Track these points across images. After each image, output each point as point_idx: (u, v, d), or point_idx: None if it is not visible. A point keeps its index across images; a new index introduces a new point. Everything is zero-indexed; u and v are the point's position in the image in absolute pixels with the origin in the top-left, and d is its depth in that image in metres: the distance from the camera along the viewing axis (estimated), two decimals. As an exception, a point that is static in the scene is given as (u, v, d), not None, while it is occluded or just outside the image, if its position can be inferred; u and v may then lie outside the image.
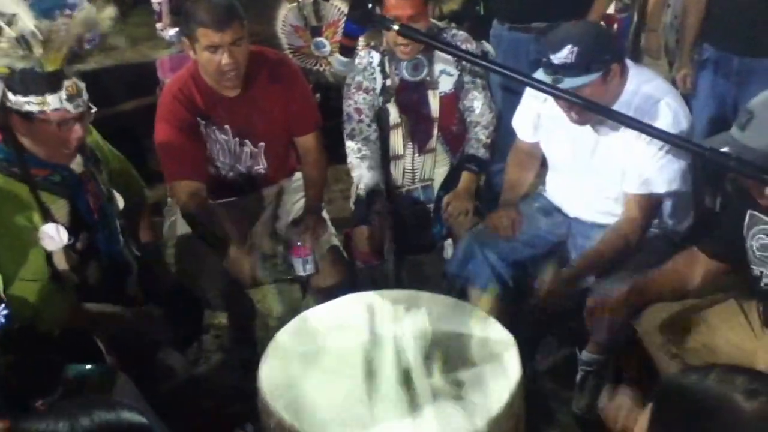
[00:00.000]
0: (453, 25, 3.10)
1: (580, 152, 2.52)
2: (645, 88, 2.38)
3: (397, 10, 2.61)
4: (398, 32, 1.92)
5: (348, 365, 2.10)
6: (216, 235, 2.58)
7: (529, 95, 2.63)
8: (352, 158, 2.91)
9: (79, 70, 2.13)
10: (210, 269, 2.59)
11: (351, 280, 2.80)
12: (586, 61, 2.23)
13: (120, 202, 2.40)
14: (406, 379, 2.04)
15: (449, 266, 2.76)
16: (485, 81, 2.94)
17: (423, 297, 2.36)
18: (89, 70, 2.19)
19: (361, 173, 2.87)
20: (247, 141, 2.73)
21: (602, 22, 3.33)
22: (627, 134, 2.36)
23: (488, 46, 3.14)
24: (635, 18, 3.94)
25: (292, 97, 2.74)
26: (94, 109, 2.18)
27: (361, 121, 2.90)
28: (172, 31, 4.18)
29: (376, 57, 2.88)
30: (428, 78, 2.87)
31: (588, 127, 2.44)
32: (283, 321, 2.54)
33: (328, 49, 3.69)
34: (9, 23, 2.01)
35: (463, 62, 2.86)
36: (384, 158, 2.95)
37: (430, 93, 2.89)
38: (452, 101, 2.92)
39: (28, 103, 2.05)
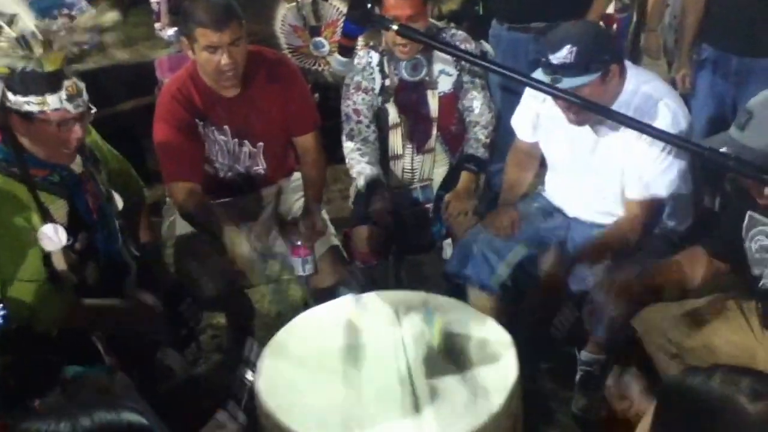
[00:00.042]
0: (452, 24, 3.11)
1: (579, 152, 2.52)
2: (644, 88, 2.38)
3: (396, 10, 2.61)
4: (397, 32, 1.91)
5: (346, 366, 2.10)
6: (215, 234, 2.58)
7: (529, 95, 2.63)
8: (351, 156, 2.90)
9: (77, 70, 2.13)
10: (209, 269, 2.59)
11: (350, 280, 2.80)
12: (585, 61, 2.23)
13: (119, 203, 2.39)
14: (404, 379, 2.04)
15: (448, 266, 2.76)
16: (484, 81, 2.94)
17: (422, 297, 2.36)
18: (88, 70, 2.18)
19: (362, 168, 2.86)
20: (245, 141, 2.73)
21: (601, 22, 3.33)
22: (626, 135, 2.36)
23: (487, 46, 3.14)
24: (634, 18, 3.95)
25: (290, 97, 2.73)
26: (93, 110, 2.18)
27: (360, 121, 2.90)
28: (170, 31, 4.18)
29: (375, 57, 2.87)
30: (427, 78, 2.87)
31: (587, 128, 2.43)
32: (281, 321, 2.54)
33: (326, 48, 3.70)
34: (9, 23, 2.01)
35: (462, 62, 2.86)
36: (383, 158, 2.95)
37: (429, 93, 2.89)
38: (451, 101, 2.92)
39: (28, 103, 2.04)
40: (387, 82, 2.86)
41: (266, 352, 2.16)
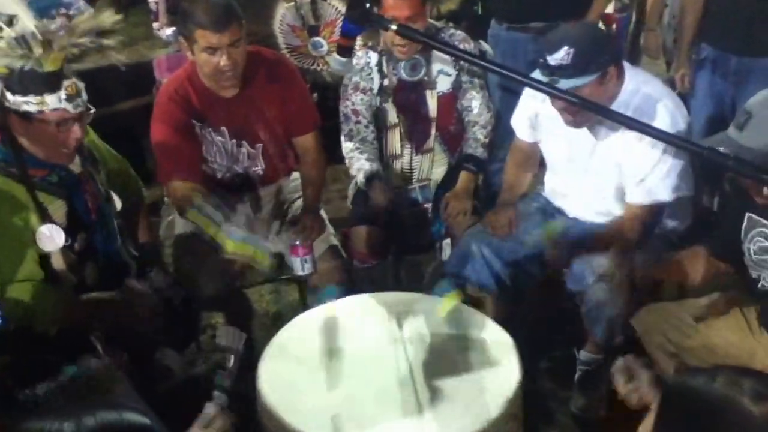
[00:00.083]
0: (451, 24, 3.11)
1: (578, 153, 2.51)
2: (642, 89, 2.38)
3: (395, 10, 2.61)
4: (396, 32, 1.91)
5: (348, 367, 2.10)
6: None
7: (528, 95, 2.63)
8: (350, 155, 2.90)
9: (75, 69, 2.12)
10: (208, 269, 2.58)
11: (349, 280, 2.80)
12: (583, 62, 2.23)
13: (117, 203, 2.39)
14: (405, 380, 2.04)
15: (447, 266, 2.76)
16: (483, 81, 2.93)
17: (422, 298, 2.36)
18: (86, 70, 2.18)
19: (361, 164, 2.86)
20: (244, 142, 2.72)
21: (601, 22, 3.33)
22: (625, 136, 2.36)
23: (486, 46, 3.14)
24: (634, 18, 3.95)
25: (289, 97, 2.73)
26: (92, 110, 2.18)
27: (358, 122, 2.90)
28: (168, 31, 4.18)
29: (373, 57, 2.87)
30: (426, 78, 2.86)
31: (585, 129, 2.44)
32: (280, 321, 2.54)
33: (325, 48, 3.69)
34: (9, 23, 2.00)
35: (461, 62, 2.86)
36: (382, 158, 2.95)
37: (428, 93, 2.88)
38: (450, 101, 2.92)
39: (27, 103, 2.04)
40: (386, 82, 2.86)
41: (267, 354, 2.16)
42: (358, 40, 2.74)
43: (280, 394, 2.00)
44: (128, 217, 2.48)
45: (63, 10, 3.07)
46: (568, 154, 2.56)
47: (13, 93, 2.04)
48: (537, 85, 2.00)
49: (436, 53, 2.83)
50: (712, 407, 1.15)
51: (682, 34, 3.20)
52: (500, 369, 2.06)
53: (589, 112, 2.28)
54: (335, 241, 2.82)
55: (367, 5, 1.87)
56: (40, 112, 2.05)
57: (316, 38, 3.68)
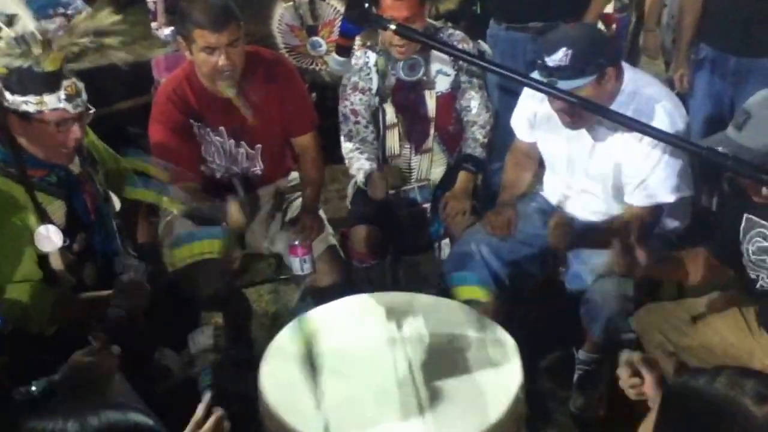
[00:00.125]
0: (449, 24, 3.10)
1: (577, 153, 2.52)
2: (642, 91, 2.38)
3: (393, 11, 2.60)
4: (395, 32, 1.91)
5: (349, 367, 2.10)
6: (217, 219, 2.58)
7: (527, 95, 2.63)
8: (350, 155, 2.90)
9: (73, 69, 2.12)
10: (207, 269, 2.58)
11: (348, 280, 2.80)
12: (581, 64, 2.23)
13: (116, 203, 2.39)
14: (405, 381, 2.03)
15: (446, 266, 2.76)
16: (482, 81, 2.93)
17: (422, 299, 2.36)
18: (84, 70, 2.18)
19: (361, 164, 2.85)
20: (242, 142, 2.72)
21: (601, 22, 3.33)
22: (624, 137, 2.36)
23: (485, 46, 3.14)
24: (633, 18, 3.95)
25: (288, 97, 2.73)
26: (92, 110, 2.17)
27: (357, 122, 2.90)
28: (167, 30, 4.17)
29: (372, 57, 2.87)
30: (425, 78, 2.86)
31: (583, 131, 2.44)
32: (279, 321, 2.53)
33: (324, 48, 3.69)
34: (9, 23, 2.00)
35: (460, 62, 2.86)
36: (380, 158, 2.94)
37: (427, 93, 2.88)
38: (449, 101, 2.92)
39: (26, 103, 2.04)
40: (385, 82, 2.86)
41: (268, 354, 2.15)
42: (357, 40, 2.74)
43: (280, 394, 2.00)
44: (127, 217, 2.48)
45: (61, 10, 3.08)
46: (567, 155, 2.56)
47: (13, 93, 2.04)
48: (536, 85, 2.00)
49: (434, 53, 2.83)
50: (713, 408, 1.15)
51: (680, 34, 3.20)
52: (501, 369, 2.06)
53: (586, 114, 2.28)
54: (334, 241, 2.82)
55: (366, 5, 1.87)
56: (40, 112, 2.04)
57: (315, 38, 3.67)
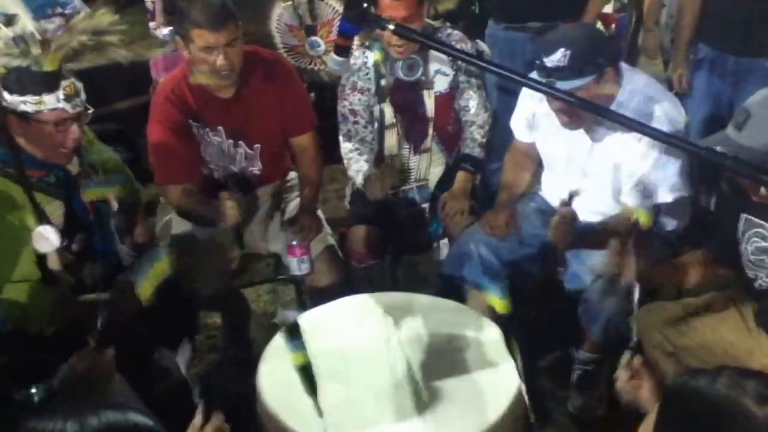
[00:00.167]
0: (448, 24, 3.10)
1: (576, 153, 2.51)
2: (641, 91, 2.38)
3: (391, 11, 2.60)
4: (393, 32, 1.91)
5: (347, 368, 2.10)
6: (214, 220, 2.58)
7: (526, 95, 2.63)
8: (348, 156, 2.90)
9: (71, 69, 2.12)
10: (205, 269, 2.58)
11: (347, 280, 2.80)
12: (579, 64, 2.23)
13: (114, 203, 2.38)
14: (404, 381, 2.03)
15: (445, 266, 2.76)
16: (480, 81, 2.93)
17: (421, 299, 2.36)
18: (83, 69, 2.18)
19: (360, 166, 2.86)
20: (241, 142, 2.72)
21: (600, 22, 3.33)
22: (623, 137, 2.36)
23: (483, 46, 3.14)
24: (634, 18, 3.94)
25: (287, 97, 2.72)
26: (91, 110, 2.17)
27: (356, 122, 2.90)
28: (165, 30, 4.17)
29: (370, 57, 2.87)
30: (423, 78, 2.86)
31: (582, 130, 2.43)
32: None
33: (322, 48, 3.69)
34: (7, 23, 2.00)
35: (459, 62, 2.86)
36: (379, 158, 2.94)
37: (426, 93, 2.88)
38: (447, 101, 2.92)
39: (25, 103, 2.03)
40: (383, 82, 2.85)
41: (266, 354, 2.15)
42: (356, 40, 2.74)
43: (279, 394, 2.00)
44: (125, 217, 2.48)
45: (59, 10, 3.07)
46: (565, 155, 2.56)
47: (11, 93, 2.03)
48: (534, 85, 2.00)
49: (433, 53, 2.83)
50: (714, 408, 1.15)
51: (679, 34, 3.20)
52: (500, 370, 2.06)
53: (585, 113, 2.28)
54: (332, 241, 2.82)
55: (365, 5, 1.87)
56: (38, 111, 2.04)
57: (314, 38, 3.67)
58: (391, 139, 2.92)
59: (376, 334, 2.22)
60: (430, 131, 2.92)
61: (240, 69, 2.57)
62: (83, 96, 2.12)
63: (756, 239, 2.08)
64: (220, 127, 2.67)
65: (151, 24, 4.47)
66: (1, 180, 2.09)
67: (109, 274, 2.31)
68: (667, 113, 2.35)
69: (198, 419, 1.55)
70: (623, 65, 2.44)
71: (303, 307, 2.55)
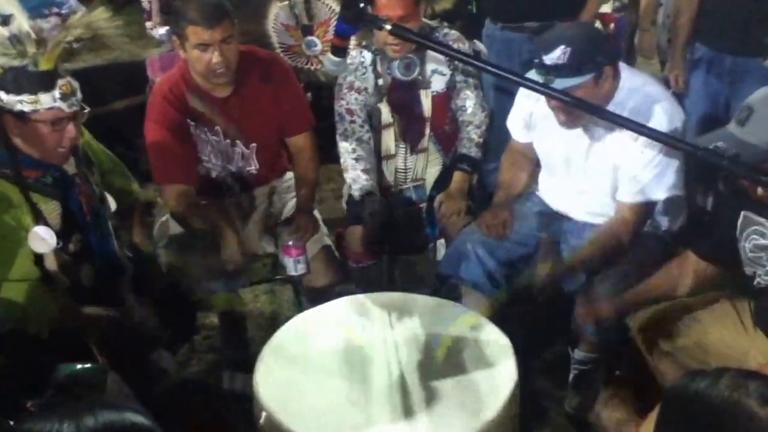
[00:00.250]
0: (445, 24, 3.10)
1: (574, 153, 2.51)
2: (640, 90, 2.38)
3: (388, 10, 2.60)
4: (390, 32, 1.90)
5: (344, 368, 2.10)
6: (209, 232, 2.58)
7: (523, 95, 2.63)
8: (346, 159, 2.89)
9: (67, 69, 2.11)
10: (201, 269, 2.58)
11: (343, 280, 2.80)
12: (578, 62, 2.23)
13: (112, 204, 2.38)
14: (401, 382, 2.03)
15: (442, 266, 2.76)
16: (477, 80, 2.93)
17: (418, 299, 2.36)
18: (79, 69, 2.17)
19: (356, 175, 2.86)
20: (238, 142, 2.72)
21: (599, 22, 3.33)
22: (620, 137, 2.36)
23: (480, 46, 3.14)
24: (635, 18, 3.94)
25: (284, 97, 2.72)
26: (87, 109, 2.17)
27: (353, 121, 2.89)
28: (161, 30, 4.16)
29: (367, 56, 2.86)
30: (420, 77, 2.86)
31: (580, 130, 2.44)
32: (275, 321, 2.52)
33: (319, 48, 3.68)
34: (3, 23, 1.99)
35: (456, 62, 2.86)
36: (376, 158, 2.94)
37: (423, 92, 2.88)
38: (444, 101, 2.92)
39: (21, 102, 2.03)
40: (380, 81, 2.85)
41: (263, 355, 2.15)
42: (352, 40, 2.74)
43: (276, 395, 2.00)
44: (123, 218, 2.47)
45: (55, 10, 3.07)
46: (563, 155, 2.56)
47: (7, 92, 2.03)
48: (531, 85, 2.00)
49: (430, 53, 2.83)
50: (716, 409, 1.14)
51: (676, 33, 3.20)
52: (496, 370, 2.06)
53: (583, 111, 2.28)
54: (328, 242, 2.82)
55: (362, 5, 1.86)
56: (35, 111, 2.04)
57: (310, 37, 3.67)
58: (388, 138, 2.92)
59: (372, 334, 2.21)
60: (427, 131, 2.92)
61: (237, 68, 2.57)
62: (79, 95, 2.11)
63: (755, 236, 2.09)
64: (217, 127, 2.67)
65: (148, 24, 4.46)
66: (-2, 180, 2.08)
67: (106, 275, 2.32)
68: (666, 112, 2.36)
69: None
70: (621, 64, 2.44)
71: (300, 307, 2.55)
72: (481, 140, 2.92)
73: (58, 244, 2.13)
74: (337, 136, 2.93)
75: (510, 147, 2.79)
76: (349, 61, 2.80)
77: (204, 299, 2.63)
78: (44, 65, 2.02)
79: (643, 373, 2.37)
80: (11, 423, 1.21)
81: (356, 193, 2.84)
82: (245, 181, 2.83)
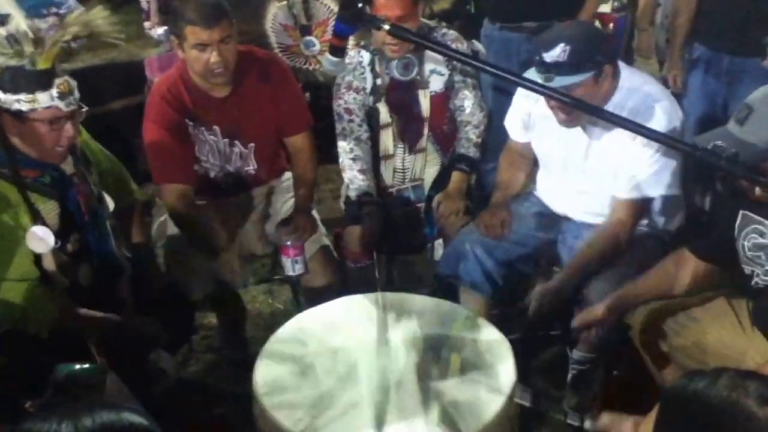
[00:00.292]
0: (443, 24, 3.10)
1: (572, 153, 2.52)
2: (639, 90, 2.38)
3: (386, 10, 2.60)
4: (389, 32, 1.90)
5: (342, 368, 2.10)
6: (204, 237, 2.58)
7: (521, 95, 2.63)
8: (344, 159, 2.89)
9: (65, 69, 2.11)
10: (200, 270, 2.57)
11: (342, 280, 2.79)
12: (578, 60, 2.23)
13: (110, 203, 2.38)
14: (399, 381, 2.03)
15: (440, 266, 2.76)
16: (476, 80, 2.93)
17: (416, 299, 2.36)
18: (77, 69, 2.17)
19: (353, 175, 2.86)
20: (236, 142, 2.72)
21: (598, 21, 3.33)
22: (619, 136, 2.36)
23: (479, 46, 3.14)
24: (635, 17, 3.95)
25: (282, 97, 2.72)
26: (85, 108, 2.17)
27: (351, 120, 2.89)
28: (160, 30, 4.17)
29: (366, 56, 2.86)
30: (419, 77, 2.86)
31: (578, 129, 2.44)
32: (273, 321, 2.52)
33: (317, 48, 3.68)
34: (1, 23, 1.99)
35: (454, 61, 2.86)
36: (374, 158, 2.94)
37: (421, 92, 2.88)
38: (443, 100, 2.92)
39: (18, 101, 2.03)
40: (378, 81, 2.85)
41: (262, 355, 2.15)
42: (351, 40, 2.74)
43: (275, 395, 2.00)
44: (122, 217, 2.47)
45: (53, 9, 3.07)
46: (562, 155, 2.56)
47: (5, 91, 2.03)
48: (530, 85, 2.00)
49: (428, 53, 2.83)
50: (715, 410, 1.14)
51: (674, 33, 3.21)
52: (495, 370, 2.06)
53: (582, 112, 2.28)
54: (327, 242, 2.82)
55: (360, 5, 1.86)
56: (32, 110, 2.04)
57: (309, 37, 3.67)
58: (386, 138, 2.92)
59: (371, 334, 2.21)
60: (426, 131, 2.92)
61: (235, 68, 2.57)
62: (77, 94, 2.11)
63: (754, 235, 2.09)
64: (215, 127, 2.67)
65: (146, 24, 4.47)
66: (-5, 180, 2.08)
67: (105, 275, 2.31)
68: (666, 111, 2.36)
69: None
70: (621, 63, 2.45)
71: (299, 307, 2.55)
72: (479, 140, 2.92)
73: (56, 243, 2.12)
74: (336, 136, 2.93)
75: (508, 147, 2.79)
76: (347, 61, 2.80)
77: (202, 299, 2.63)
78: (42, 64, 2.02)
79: (642, 373, 2.38)
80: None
81: (353, 194, 2.85)
82: (243, 181, 2.83)
